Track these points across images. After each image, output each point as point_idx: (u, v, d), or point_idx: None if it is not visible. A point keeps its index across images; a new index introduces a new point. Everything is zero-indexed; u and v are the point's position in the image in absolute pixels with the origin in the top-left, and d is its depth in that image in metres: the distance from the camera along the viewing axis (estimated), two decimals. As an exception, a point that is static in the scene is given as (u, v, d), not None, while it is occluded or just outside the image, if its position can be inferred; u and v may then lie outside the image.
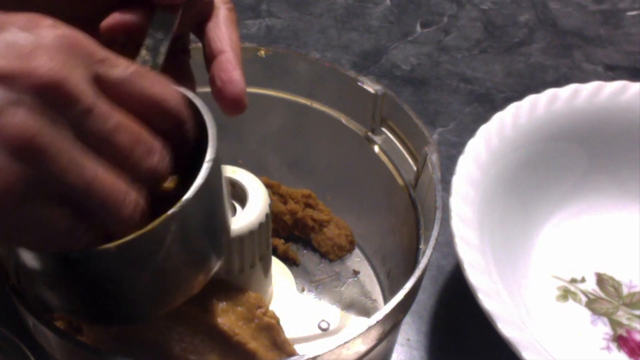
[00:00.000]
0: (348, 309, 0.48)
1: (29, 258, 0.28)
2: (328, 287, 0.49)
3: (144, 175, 0.27)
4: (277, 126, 0.50)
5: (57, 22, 0.26)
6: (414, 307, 0.41)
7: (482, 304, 0.41)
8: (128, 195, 0.26)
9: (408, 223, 0.42)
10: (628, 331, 0.49)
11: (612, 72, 0.72)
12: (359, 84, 0.44)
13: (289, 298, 0.46)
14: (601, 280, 0.52)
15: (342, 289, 0.49)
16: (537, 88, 0.56)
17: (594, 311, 0.50)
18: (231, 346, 0.35)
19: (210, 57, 0.35)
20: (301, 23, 0.77)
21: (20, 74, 0.23)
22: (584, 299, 0.51)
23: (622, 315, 0.50)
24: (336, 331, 0.44)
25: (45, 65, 0.24)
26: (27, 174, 0.23)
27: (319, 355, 0.30)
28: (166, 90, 0.28)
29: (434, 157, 0.39)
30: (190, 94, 0.31)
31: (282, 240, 0.51)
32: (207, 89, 0.45)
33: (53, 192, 0.24)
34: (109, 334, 0.36)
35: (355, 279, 0.50)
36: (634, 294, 0.51)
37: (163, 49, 0.33)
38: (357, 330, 0.31)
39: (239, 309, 0.37)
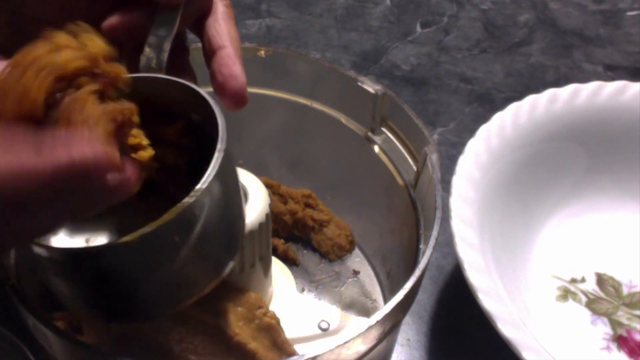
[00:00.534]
0: (348, 309, 0.48)
1: (47, 254, 0.28)
2: (328, 287, 0.49)
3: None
4: (277, 126, 0.50)
5: None
6: (414, 307, 0.41)
7: (482, 304, 0.41)
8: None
9: (408, 223, 0.42)
10: (628, 331, 0.49)
11: (612, 72, 0.72)
12: (359, 84, 0.44)
13: (289, 298, 0.46)
14: (601, 280, 0.52)
15: (342, 289, 0.49)
16: (537, 88, 0.56)
17: (594, 311, 0.50)
18: (231, 346, 0.35)
19: (210, 52, 0.35)
20: (301, 23, 0.77)
21: None
22: (584, 299, 0.51)
23: (622, 315, 0.50)
24: (336, 331, 0.44)
25: None
26: None
27: (319, 355, 0.30)
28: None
29: (434, 157, 0.39)
30: (199, 89, 0.31)
31: (282, 240, 0.51)
32: (209, 89, 0.45)
33: None
34: (109, 334, 0.36)
35: (355, 279, 0.50)
36: (634, 294, 0.51)
37: (166, 47, 0.33)
38: (357, 330, 0.31)
39: (239, 309, 0.37)
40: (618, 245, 0.54)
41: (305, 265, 0.51)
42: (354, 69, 0.71)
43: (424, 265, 0.34)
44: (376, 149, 0.45)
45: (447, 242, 0.50)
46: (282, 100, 0.48)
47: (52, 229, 0.26)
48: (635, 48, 0.75)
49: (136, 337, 0.35)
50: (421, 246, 0.39)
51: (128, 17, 0.34)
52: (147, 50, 0.33)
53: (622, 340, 0.49)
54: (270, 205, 0.39)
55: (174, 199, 0.29)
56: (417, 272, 0.34)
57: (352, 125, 0.46)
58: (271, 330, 0.37)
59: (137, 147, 0.31)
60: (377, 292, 0.49)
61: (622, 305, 0.51)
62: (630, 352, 0.48)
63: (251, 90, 0.48)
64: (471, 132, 0.51)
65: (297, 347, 0.39)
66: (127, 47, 0.35)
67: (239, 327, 0.36)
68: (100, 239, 0.34)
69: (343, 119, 0.47)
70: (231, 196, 0.31)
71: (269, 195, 0.39)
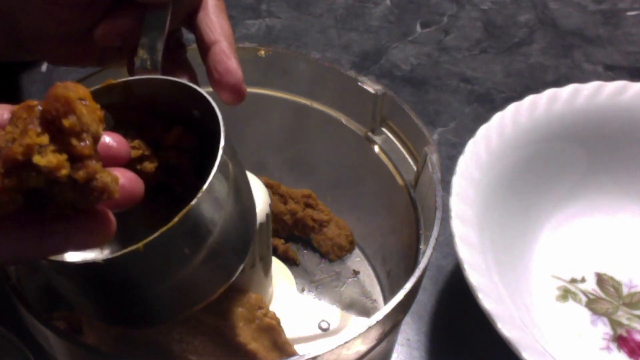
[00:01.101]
0: (348, 309, 0.48)
1: (52, 266, 0.28)
2: (328, 287, 0.49)
3: None
4: (277, 126, 0.50)
5: None
6: (414, 307, 0.41)
7: (482, 304, 0.41)
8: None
9: (408, 223, 0.42)
10: (628, 331, 0.49)
11: (612, 72, 0.72)
12: (359, 84, 0.44)
13: (289, 298, 0.46)
14: (601, 280, 0.52)
15: (342, 289, 0.49)
16: (537, 88, 0.56)
17: (594, 311, 0.50)
18: (232, 347, 0.35)
19: (204, 48, 0.35)
20: (301, 23, 0.77)
21: None
22: (584, 299, 0.51)
23: (622, 315, 0.50)
24: (336, 331, 0.44)
25: None
26: None
27: (319, 355, 0.30)
28: None
29: (434, 157, 0.39)
30: (195, 86, 0.31)
31: (282, 240, 0.51)
32: (211, 89, 0.45)
33: None
34: (109, 334, 0.36)
35: (355, 279, 0.50)
36: (634, 294, 0.51)
37: (160, 46, 0.33)
38: (357, 330, 0.31)
39: (240, 310, 0.37)
40: (618, 245, 0.54)
41: (305, 265, 0.51)
42: (354, 69, 0.71)
43: (424, 265, 0.34)
44: (376, 149, 0.45)
45: (447, 242, 0.50)
46: (282, 100, 0.48)
47: None
48: (635, 48, 0.75)
49: (136, 337, 0.35)
50: (421, 246, 0.39)
51: (119, 22, 0.34)
52: (140, 52, 0.33)
53: (622, 340, 0.49)
54: (271, 205, 0.39)
55: (183, 199, 0.29)
56: (417, 272, 0.34)
57: (352, 125, 0.46)
58: (272, 331, 0.37)
59: (141, 159, 0.30)
60: (377, 292, 0.49)
61: (622, 305, 0.51)
62: (630, 352, 0.48)
63: (251, 90, 0.48)
64: (471, 132, 0.51)
65: (297, 347, 0.40)
66: (126, 50, 0.35)
67: (239, 328, 0.36)
68: (109, 245, 0.34)
69: (343, 119, 0.47)
70: (238, 193, 0.31)
71: (269, 195, 0.39)
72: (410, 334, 0.49)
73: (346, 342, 0.31)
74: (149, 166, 0.31)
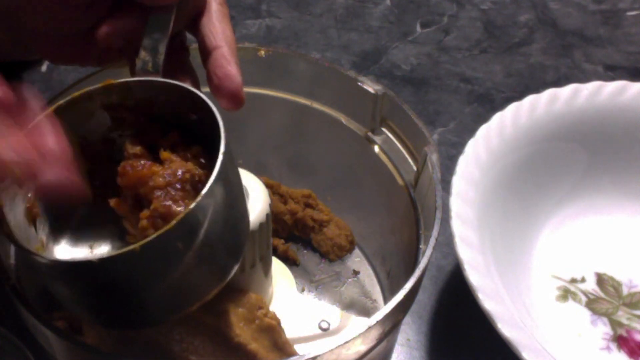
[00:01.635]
0: (348, 309, 0.48)
1: (47, 264, 0.28)
2: (328, 287, 0.49)
3: None
4: (277, 126, 0.50)
5: None
6: (414, 307, 0.41)
7: (482, 304, 0.41)
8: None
9: (408, 223, 0.42)
10: (628, 331, 0.49)
11: (612, 72, 0.72)
12: (359, 84, 0.44)
13: (289, 298, 0.46)
14: (601, 280, 0.52)
15: (342, 289, 0.49)
16: (537, 88, 0.56)
17: (594, 311, 0.50)
18: (232, 347, 0.35)
19: (205, 53, 0.35)
20: (301, 23, 0.77)
21: None
22: (584, 299, 0.51)
23: (622, 315, 0.50)
24: (336, 331, 0.44)
25: None
26: None
27: (319, 355, 0.30)
28: None
29: (434, 157, 0.39)
30: (196, 90, 0.31)
31: (282, 240, 0.51)
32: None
33: None
34: (109, 334, 0.36)
35: (355, 279, 0.50)
36: (634, 294, 0.51)
37: (162, 49, 0.33)
38: (357, 330, 0.31)
39: (240, 310, 0.37)
40: (618, 245, 0.54)
41: (305, 265, 0.51)
42: (354, 69, 0.71)
43: (424, 265, 0.34)
44: (376, 149, 0.45)
45: (447, 242, 0.50)
46: (282, 100, 0.48)
47: None
48: (635, 48, 0.75)
49: (136, 337, 0.35)
50: (421, 246, 0.39)
51: (122, 22, 0.34)
52: (142, 53, 0.33)
53: (622, 340, 0.49)
54: (271, 205, 0.39)
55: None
56: (417, 272, 0.34)
57: (352, 125, 0.46)
58: (272, 331, 0.37)
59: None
60: (377, 292, 0.49)
61: (622, 305, 0.51)
62: (630, 352, 0.48)
63: (251, 90, 0.48)
64: (471, 132, 0.51)
65: (298, 347, 0.40)
66: (127, 52, 0.35)
67: (239, 328, 0.36)
68: (104, 246, 0.34)
69: (343, 119, 0.47)
70: (234, 198, 0.31)
71: (269, 195, 0.39)
72: (410, 334, 0.49)
73: (346, 342, 0.31)
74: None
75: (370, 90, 0.43)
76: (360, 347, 0.33)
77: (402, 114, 0.42)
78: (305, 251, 0.52)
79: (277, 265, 0.47)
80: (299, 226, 0.51)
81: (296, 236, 0.52)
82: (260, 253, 0.39)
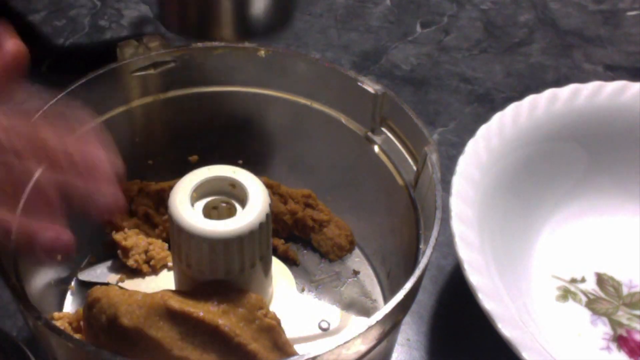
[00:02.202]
0: (348, 309, 0.48)
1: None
2: (328, 287, 0.49)
3: None
4: (277, 126, 0.50)
5: None
6: (414, 307, 0.41)
7: (482, 304, 0.41)
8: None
9: (408, 223, 0.42)
10: (628, 331, 0.49)
11: (612, 72, 0.72)
12: (359, 84, 0.44)
13: (289, 298, 0.46)
14: (601, 280, 0.52)
15: (342, 289, 0.49)
16: (537, 88, 0.56)
17: (594, 311, 0.50)
18: (232, 347, 0.35)
19: None
20: (301, 23, 0.77)
21: None
22: (584, 299, 0.51)
23: (622, 315, 0.50)
24: (336, 331, 0.44)
25: None
26: None
27: (319, 355, 0.30)
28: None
29: (434, 157, 0.39)
30: None
31: (282, 240, 0.51)
32: (215, 89, 0.45)
33: None
34: (109, 334, 0.36)
35: (355, 279, 0.50)
36: (634, 294, 0.51)
37: None
38: (357, 330, 0.31)
39: (240, 310, 0.37)
40: (618, 245, 0.54)
41: (305, 265, 0.51)
42: (354, 69, 0.71)
43: (424, 265, 0.34)
44: (376, 149, 0.45)
45: (447, 242, 0.50)
46: (282, 100, 0.48)
47: None
48: (635, 48, 0.75)
49: (136, 338, 0.35)
50: (421, 246, 0.39)
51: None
52: None
53: (622, 340, 0.49)
54: (271, 205, 0.39)
55: None
56: (417, 272, 0.34)
57: (352, 125, 0.46)
58: (272, 332, 0.37)
59: None
60: (377, 292, 0.49)
61: (622, 305, 0.51)
62: (630, 352, 0.48)
63: (251, 90, 0.48)
64: (471, 132, 0.51)
65: (297, 347, 0.39)
66: None
67: (239, 328, 0.36)
68: None
69: (343, 119, 0.47)
70: None
71: (269, 195, 0.39)
72: (410, 334, 0.49)
73: (346, 342, 0.31)
74: None
75: (370, 90, 0.43)
76: (360, 347, 0.33)
77: (402, 114, 0.42)
78: (305, 251, 0.52)
79: (277, 265, 0.47)
80: (299, 226, 0.51)
81: (296, 236, 0.52)
82: (260, 253, 0.39)
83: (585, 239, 0.54)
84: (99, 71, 0.43)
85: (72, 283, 0.47)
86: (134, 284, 0.46)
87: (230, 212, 0.39)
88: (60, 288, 0.45)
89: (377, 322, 0.32)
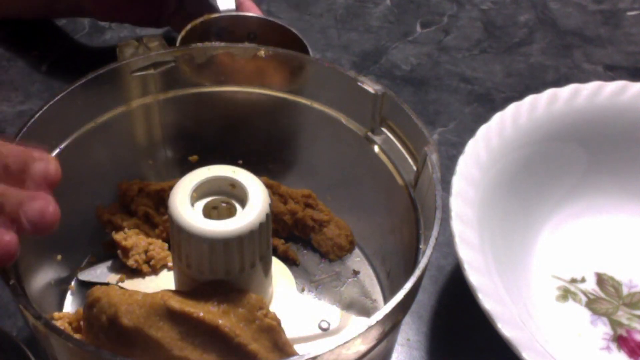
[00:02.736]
0: (348, 309, 0.48)
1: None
2: (328, 287, 0.49)
3: None
4: (277, 126, 0.50)
5: None
6: (414, 307, 0.41)
7: (482, 304, 0.41)
8: None
9: (408, 223, 0.42)
10: (628, 331, 0.49)
11: (612, 72, 0.72)
12: (359, 84, 0.44)
13: (289, 298, 0.46)
14: (601, 280, 0.52)
15: (342, 289, 0.49)
16: (537, 88, 0.56)
17: (594, 311, 0.50)
18: (232, 348, 0.35)
19: None
20: (301, 23, 0.77)
21: None
22: (584, 299, 0.51)
23: (622, 315, 0.50)
24: (336, 331, 0.44)
25: None
26: None
27: (319, 355, 0.30)
28: None
29: (434, 157, 0.39)
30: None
31: (282, 240, 0.51)
32: (215, 89, 0.45)
33: None
34: (109, 334, 0.36)
35: (355, 279, 0.50)
36: (634, 294, 0.51)
37: None
38: (357, 330, 0.31)
39: (240, 310, 0.37)
40: (618, 245, 0.54)
41: (305, 265, 0.51)
42: (354, 69, 0.71)
43: (424, 265, 0.34)
44: (376, 149, 0.45)
45: (447, 242, 0.50)
46: (282, 100, 0.48)
47: None
48: (635, 48, 0.75)
49: (136, 338, 0.35)
50: (421, 246, 0.39)
51: None
52: None
53: (622, 340, 0.49)
54: (271, 205, 0.39)
55: None
56: (417, 272, 0.34)
57: (352, 125, 0.46)
58: (272, 332, 0.37)
59: None
60: (377, 292, 0.49)
61: (622, 305, 0.51)
62: (630, 352, 0.48)
63: (251, 90, 0.48)
64: (471, 132, 0.51)
65: (297, 347, 0.39)
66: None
67: (239, 328, 0.36)
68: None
69: (343, 119, 0.47)
70: None
71: (269, 195, 0.39)
72: (410, 334, 0.49)
73: (346, 342, 0.31)
74: None
75: (370, 90, 0.43)
76: (360, 347, 0.33)
77: (402, 113, 0.42)
78: (305, 251, 0.52)
79: (277, 265, 0.47)
80: (299, 226, 0.51)
81: (296, 236, 0.52)
82: (260, 253, 0.39)
83: (585, 239, 0.54)
84: (99, 71, 0.43)
85: (72, 283, 0.47)
86: (134, 284, 0.46)
87: (230, 212, 0.39)
88: (60, 288, 0.45)
89: (377, 322, 0.32)
